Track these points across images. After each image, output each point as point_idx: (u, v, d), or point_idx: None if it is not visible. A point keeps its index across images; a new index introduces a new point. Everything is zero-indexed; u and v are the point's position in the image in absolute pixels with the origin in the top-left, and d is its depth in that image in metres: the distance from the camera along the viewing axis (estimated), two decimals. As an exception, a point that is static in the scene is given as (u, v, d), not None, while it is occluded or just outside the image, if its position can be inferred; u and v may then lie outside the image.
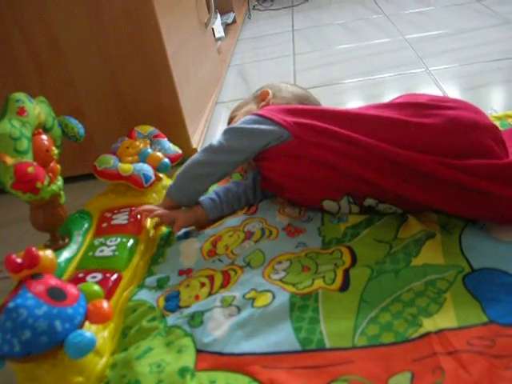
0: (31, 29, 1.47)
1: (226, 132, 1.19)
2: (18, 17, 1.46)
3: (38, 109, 1.10)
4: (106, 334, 0.95)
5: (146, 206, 1.23)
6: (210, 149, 1.18)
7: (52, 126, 1.16)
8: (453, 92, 1.83)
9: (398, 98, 1.20)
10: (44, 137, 1.12)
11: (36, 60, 1.51)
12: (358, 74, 2.19)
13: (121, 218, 1.26)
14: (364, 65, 2.31)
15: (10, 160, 0.98)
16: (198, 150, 1.63)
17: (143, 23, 1.46)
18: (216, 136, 1.20)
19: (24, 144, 1.02)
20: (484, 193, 0.97)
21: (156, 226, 1.25)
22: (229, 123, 1.47)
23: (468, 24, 2.57)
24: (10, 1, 1.44)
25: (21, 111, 1.04)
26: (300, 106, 1.26)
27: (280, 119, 1.15)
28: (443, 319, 0.81)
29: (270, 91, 1.43)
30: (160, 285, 1.06)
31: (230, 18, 3.19)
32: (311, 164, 1.12)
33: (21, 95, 1.07)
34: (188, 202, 1.22)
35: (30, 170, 0.99)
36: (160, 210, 1.20)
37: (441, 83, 1.91)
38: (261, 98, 1.43)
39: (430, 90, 1.89)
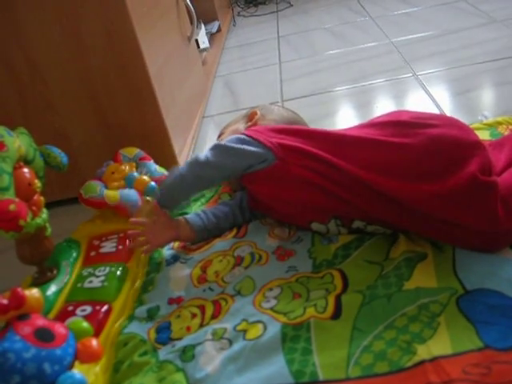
0: (10, 55, 1.45)
1: (213, 148, 1.18)
2: (-1, 45, 1.45)
3: (18, 142, 1.08)
4: (97, 369, 0.94)
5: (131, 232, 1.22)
6: (196, 163, 1.17)
7: (33, 158, 1.15)
8: (441, 97, 1.82)
9: (381, 116, 1.19)
10: (26, 170, 1.10)
11: (17, 86, 1.50)
12: (345, 82, 2.17)
13: (109, 246, 1.25)
14: (351, 71, 2.29)
15: (-9, 198, 0.96)
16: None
17: (124, 45, 1.44)
18: (204, 150, 1.20)
19: (5, 180, 1.00)
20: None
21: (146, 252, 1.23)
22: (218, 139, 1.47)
23: (454, 24, 2.56)
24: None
25: (0, 146, 1.02)
26: (285, 126, 1.25)
27: (265, 140, 1.15)
28: (437, 346, 0.80)
29: (258, 112, 1.42)
30: (150, 315, 1.05)
31: (214, 27, 3.17)
32: (296, 187, 1.11)
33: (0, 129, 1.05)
34: (171, 208, 1.24)
35: (12, 207, 0.97)
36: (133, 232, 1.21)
37: (429, 88, 1.90)
38: (249, 117, 1.43)
39: (418, 95, 1.89)
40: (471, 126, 1.36)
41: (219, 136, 1.47)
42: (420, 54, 2.29)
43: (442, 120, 1.09)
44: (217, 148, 1.18)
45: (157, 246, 1.20)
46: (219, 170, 1.16)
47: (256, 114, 1.42)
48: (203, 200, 1.44)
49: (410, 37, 2.54)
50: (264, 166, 1.14)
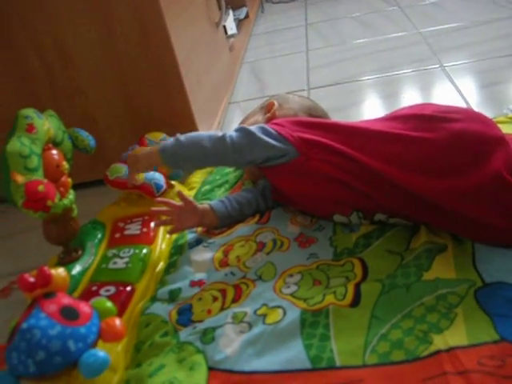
0: (42, 40, 1.48)
1: (238, 130, 1.18)
2: (30, 29, 1.47)
3: (47, 124, 1.10)
4: (119, 348, 0.96)
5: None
6: (219, 139, 1.15)
7: (62, 140, 1.17)
8: (467, 89, 1.81)
9: (404, 108, 1.18)
10: (54, 152, 1.12)
11: (47, 71, 1.53)
12: (372, 71, 2.17)
13: (134, 228, 1.27)
14: (379, 61, 2.29)
15: (20, 178, 0.99)
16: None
17: (152, 31, 1.46)
18: (230, 130, 1.19)
19: (34, 161, 1.03)
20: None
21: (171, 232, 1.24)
22: None
23: (483, 16, 2.53)
24: (22, 16, 1.45)
25: (30, 128, 1.05)
26: (306, 119, 1.25)
27: (287, 134, 1.15)
28: (454, 336, 0.80)
29: (275, 102, 1.42)
30: (172, 297, 1.06)
31: (242, 13, 3.17)
32: (318, 181, 1.11)
33: (29, 111, 1.07)
34: (174, 166, 1.23)
35: (41, 188, 0.99)
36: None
37: (455, 80, 1.89)
38: (267, 109, 1.42)
39: (444, 87, 1.88)
40: (496, 120, 1.36)
41: None
42: (447, 45, 2.28)
43: (465, 114, 1.08)
44: (242, 131, 1.17)
45: (180, 230, 1.22)
46: (238, 154, 1.15)
47: (273, 104, 1.41)
48: (227, 186, 1.45)
49: (438, 27, 2.52)
50: (284, 160, 1.14)
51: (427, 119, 1.07)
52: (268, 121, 1.33)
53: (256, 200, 1.27)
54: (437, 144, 1.01)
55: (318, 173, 1.10)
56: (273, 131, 1.16)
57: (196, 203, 1.24)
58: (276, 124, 1.20)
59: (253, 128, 1.18)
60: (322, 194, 1.13)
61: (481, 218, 0.95)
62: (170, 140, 1.18)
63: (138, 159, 1.19)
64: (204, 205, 1.25)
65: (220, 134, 1.16)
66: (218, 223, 1.24)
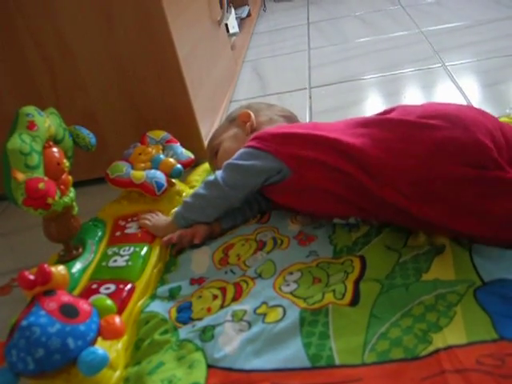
0: (42, 35, 1.48)
1: (226, 169, 1.19)
2: (30, 24, 1.47)
3: (48, 121, 1.10)
4: (119, 346, 0.96)
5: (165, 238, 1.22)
6: (214, 185, 1.18)
7: (63, 138, 1.17)
8: (469, 89, 1.81)
9: (390, 110, 1.15)
10: (55, 149, 1.12)
11: (48, 66, 1.52)
12: (374, 70, 2.17)
13: (134, 227, 1.27)
14: (380, 60, 2.28)
15: (20, 176, 0.99)
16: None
17: (154, 27, 1.46)
18: (217, 173, 1.20)
19: (35, 159, 1.03)
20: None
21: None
22: (213, 155, 1.42)
23: (485, 15, 2.53)
24: (21, 8, 1.45)
25: (31, 125, 1.04)
26: (288, 131, 1.22)
27: (276, 151, 1.15)
28: (452, 334, 0.81)
29: (250, 112, 1.41)
30: (172, 295, 1.07)
31: (244, 11, 3.17)
32: (315, 196, 1.13)
33: (30, 109, 1.07)
34: (186, 227, 1.23)
35: (41, 186, 0.99)
36: (177, 233, 1.21)
37: (457, 79, 1.89)
38: (241, 120, 1.40)
39: (446, 86, 1.87)
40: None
41: (216, 152, 1.41)
42: (449, 44, 2.28)
43: (448, 120, 1.02)
44: (229, 168, 1.18)
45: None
46: (238, 190, 1.17)
47: (249, 114, 1.40)
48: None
49: (440, 27, 2.52)
50: (280, 177, 1.16)
51: (410, 126, 1.04)
52: (250, 131, 1.34)
53: (256, 200, 1.28)
54: (418, 156, 0.99)
55: (313, 187, 1.12)
56: (260, 152, 1.17)
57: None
58: (259, 139, 1.20)
59: (237, 159, 1.19)
60: (319, 206, 1.14)
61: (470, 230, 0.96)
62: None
63: (157, 231, 1.24)
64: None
65: (211, 178, 1.19)
66: (221, 229, 1.24)
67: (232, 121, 1.44)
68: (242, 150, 1.20)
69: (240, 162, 1.18)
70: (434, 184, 0.97)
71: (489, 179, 0.94)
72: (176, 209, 1.27)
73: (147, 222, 1.26)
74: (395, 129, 1.06)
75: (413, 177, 0.99)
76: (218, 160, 1.36)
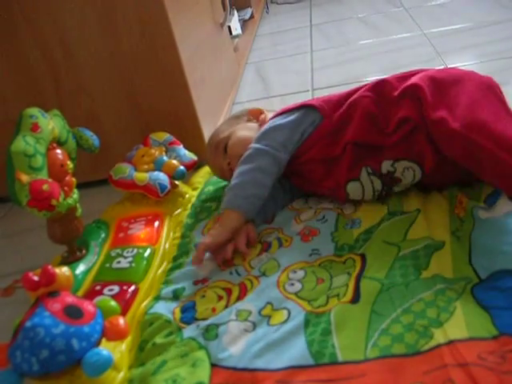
0: (46, 39, 1.49)
1: (264, 135, 1.19)
2: (34, 28, 1.48)
3: (51, 123, 1.11)
4: (123, 347, 0.96)
5: (200, 246, 1.14)
6: (259, 153, 1.16)
7: (66, 140, 1.17)
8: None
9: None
10: (58, 151, 1.13)
11: (52, 68, 1.53)
12: (377, 72, 2.16)
13: (137, 228, 1.27)
14: (383, 62, 2.28)
15: (25, 178, 0.99)
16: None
17: (157, 30, 1.46)
18: (253, 145, 1.18)
19: (39, 161, 1.03)
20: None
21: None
22: (220, 150, 1.34)
23: (487, 17, 2.53)
24: (25, 13, 1.46)
25: (34, 127, 1.05)
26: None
27: (306, 104, 1.21)
28: (454, 329, 0.81)
29: (261, 108, 1.42)
30: (176, 296, 1.07)
31: (247, 13, 3.17)
32: (338, 141, 1.16)
33: (34, 111, 1.08)
34: (250, 209, 1.15)
35: (45, 187, 0.99)
36: (229, 248, 1.13)
37: (460, 81, 1.88)
38: (252, 114, 1.40)
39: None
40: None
41: (224, 146, 1.33)
42: (452, 46, 2.27)
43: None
44: (267, 133, 1.19)
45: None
46: (284, 150, 1.17)
47: (261, 110, 1.40)
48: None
49: (443, 29, 2.51)
50: (313, 127, 1.19)
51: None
52: (262, 124, 1.32)
53: (282, 192, 1.28)
54: None
55: (339, 131, 1.17)
56: (291, 111, 1.22)
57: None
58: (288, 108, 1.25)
59: (271, 124, 1.21)
60: (340, 153, 1.16)
61: None
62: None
63: (220, 234, 1.13)
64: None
65: (250, 150, 1.18)
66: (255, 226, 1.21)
67: (238, 117, 1.42)
68: (271, 120, 1.23)
69: (275, 123, 1.20)
70: None
71: None
72: (224, 200, 1.16)
73: (206, 242, 1.13)
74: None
75: None
76: (231, 149, 1.30)
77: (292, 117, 1.20)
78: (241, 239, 1.13)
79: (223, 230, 1.13)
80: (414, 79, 1.13)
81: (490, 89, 1.10)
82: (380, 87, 1.18)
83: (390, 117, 1.12)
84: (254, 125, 1.34)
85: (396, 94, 1.13)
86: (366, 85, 1.22)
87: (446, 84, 1.10)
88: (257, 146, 1.17)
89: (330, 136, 1.18)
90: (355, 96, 1.18)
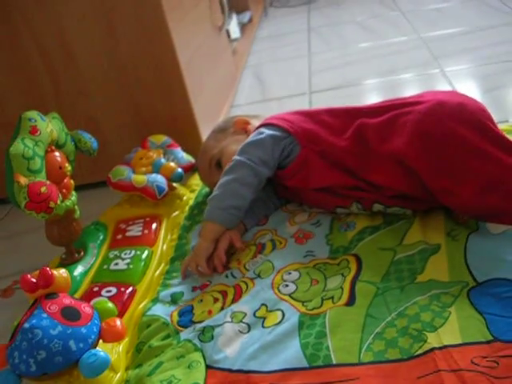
0: (46, 42, 1.50)
1: (245, 149, 1.19)
2: (34, 31, 1.48)
3: (50, 126, 1.11)
4: (120, 349, 0.97)
5: (191, 264, 1.15)
6: (240, 165, 1.17)
7: (65, 142, 1.18)
8: (468, 95, 1.79)
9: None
10: (57, 154, 1.13)
11: (50, 73, 1.54)
12: (374, 75, 2.17)
13: (135, 230, 1.28)
14: (380, 65, 2.28)
15: (23, 180, 0.99)
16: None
17: (155, 33, 1.47)
18: (235, 157, 1.19)
19: (37, 163, 1.04)
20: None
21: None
22: (212, 166, 1.34)
23: (484, 21, 2.53)
24: (25, 15, 1.46)
25: (33, 130, 1.05)
26: (291, 112, 1.29)
27: (287, 125, 1.20)
28: (447, 335, 0.81)
29: (246, 118, 1.41)
30: (174, 300, 1.08)
31: (246, 17, 3.17)
32: (321, 172, 1.15)
33: (33, 114, 1.08)
34: (229, 220, 1.16)
35: (43, 190, 1.00)
36: (218, 250, 1.15)
37: (456, 85, 1.89)
38: (238, 126, 1.38)
39: (445, 91, 1.87)
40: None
41: (216, 161, 1.33)
42: (448, 50, 2.28)
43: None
44: (247, 148, 1.19)
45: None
46: (265, 165, 1.17)
47: (246, 120, 1.39)
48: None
49: (440, 32, 2.52)
50: (291, 149, 1.19)
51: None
52: (249, 134, 1.31)
53: (271, 199, 1.29)
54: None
55: (319, 163, 1.16)
56: (270, 126, 1.22)
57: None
58: (275, 118, 1.25)
59: (251, 138, 1.21)
60: (328, 183, 1.15)
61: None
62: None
63: (201, 247, 1.15)
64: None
65: (232, 163, 1.18)
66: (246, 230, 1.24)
67: (224, 130, 1.40)
68: (251, 135, 1.24)
69: (255, 138, 1.20)
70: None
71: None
72: (205, 211, 1.18)
73: (189, 262, 1.15)
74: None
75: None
76: (225, 165, 1.25)
77: (275, 132, 1.20)
78: (220, 246, 1.15)
79: (204, 241, 1.15)
80: (400, 142, 1.05)
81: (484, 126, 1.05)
82: (360, 137, 1.13)
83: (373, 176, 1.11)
84: (242, 137, 1.32)
85: (380, 153, 1.09)
86: (347, 118, 1.19)
87: (440, 143, 1.02)
88: (238, 158, 1.18)
89: (312, 169, 1.17)
90: (334, 139, 1.15)
